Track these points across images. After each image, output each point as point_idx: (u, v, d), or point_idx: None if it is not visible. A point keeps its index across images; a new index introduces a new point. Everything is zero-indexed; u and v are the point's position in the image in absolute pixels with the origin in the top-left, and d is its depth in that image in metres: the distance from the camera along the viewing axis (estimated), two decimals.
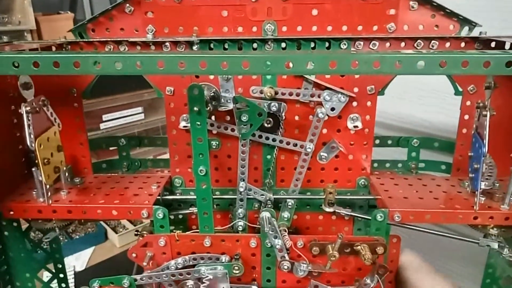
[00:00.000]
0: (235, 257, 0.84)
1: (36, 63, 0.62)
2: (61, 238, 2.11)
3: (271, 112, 0.87)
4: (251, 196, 0.93)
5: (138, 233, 0.94)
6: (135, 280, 0.84)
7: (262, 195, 0.92)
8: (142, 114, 2.28)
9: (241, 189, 0.91)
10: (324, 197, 0.91)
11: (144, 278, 0.83)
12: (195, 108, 0.75)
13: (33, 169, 0.84)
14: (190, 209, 0.95)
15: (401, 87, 0.91)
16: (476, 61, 0.60)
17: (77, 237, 2.10)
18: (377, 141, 1.05)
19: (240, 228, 0.93)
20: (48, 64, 0.62)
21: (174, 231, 0.87)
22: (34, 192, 0.87)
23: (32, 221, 0.91)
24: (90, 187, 0.93)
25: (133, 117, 2.26)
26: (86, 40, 0.90)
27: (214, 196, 0.88)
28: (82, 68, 0.63)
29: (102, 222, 2.13)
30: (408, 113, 1.10)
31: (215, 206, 0.95)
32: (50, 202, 0.84)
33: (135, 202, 0.86)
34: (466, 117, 0.93)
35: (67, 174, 0.93)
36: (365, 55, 0.61)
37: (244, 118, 0.83)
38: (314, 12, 0.86)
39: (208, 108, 0.86)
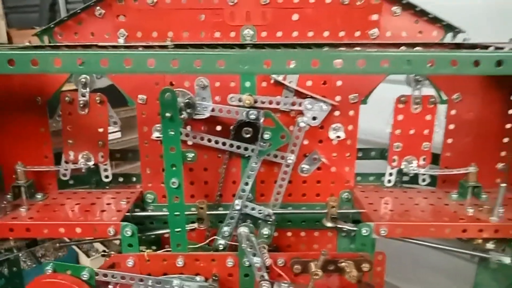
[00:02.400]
0: (214, 277, 0.77)
1: None
2: (29, 263, 1.98)
3: (250, 120, 0.82)
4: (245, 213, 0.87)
5: (106, 253, 0.86)
6: (96, 274, 0.75)
7: (260, 211, 0.87)
8: (119, 133, 2.21)
9: (237, 207, 0.85)
10: (326, 211, 0.86)
11: (107, 275, 0.75)
12: (167, 114, 0.69)
13: None
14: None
15: None
16: (466, 60, 0.57)
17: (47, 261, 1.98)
18: (360, 154, 1.01)
19: (221, 247, 0.86)
20: (2, 62, 0.57)
21: (143, 251, 0.80)
22: None
23: None
24: (53, 203, 0.85)
25: (109, 135, 2.19)
26: (53, 44, 0.84)
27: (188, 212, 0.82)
28: (40, 67, 0.57)
29: (73, 246, 2.02)
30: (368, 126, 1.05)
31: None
32: None
33: (102, 219, 0.79)
34: (451, 126, 0.90)
35: (28, 189, 0.85)
36: (350, 53, 0.58)
37: (267, 136, 0.81)
38: (295, 17, 0.83)
39: (183, 115, 0.81)
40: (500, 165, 0.92)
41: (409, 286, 1.52)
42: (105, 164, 0.90)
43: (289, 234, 0.95)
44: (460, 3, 1.22)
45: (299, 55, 0.57)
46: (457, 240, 0.85)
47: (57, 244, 0.89)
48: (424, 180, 0.93)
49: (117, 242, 0.92)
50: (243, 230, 0.76)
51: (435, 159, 0.93)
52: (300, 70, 0.57)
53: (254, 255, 0.76)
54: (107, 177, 0.91)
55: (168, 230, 0.83)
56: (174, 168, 0.74)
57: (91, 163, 0.88)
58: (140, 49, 0.83)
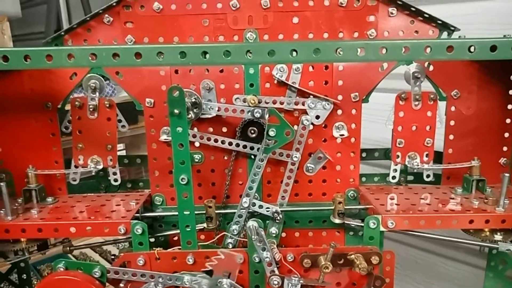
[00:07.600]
0: (224, 274, 0.77)
1: (6, 57, 0.59)
2: None
3: (255, 119, 0.84)
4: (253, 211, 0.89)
5: (115, 256, 0.87)
6: (108, 272, 0.75)
7: (268, 208, 0.88)
8: (123, 151, 2.24)
9: (245, 204, 0.86)
10: (332, 208, 0.87)
11: (118, 272, 0.75)
12: (176, 111, 0.71)
13: (1, 184, 0.78)
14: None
15: None
16: (461, 46, 0.60)
17: None
18: (364, 154, 1.02)
19: (230, 246, 0.87)
20: (18, 57, 0.59)
21: (154, 249, 0.80)
22: (2, 212, 0.80)
23: None
24: (63, 206, 0.87)
25: None
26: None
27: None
28: (54, 61, 0.60)
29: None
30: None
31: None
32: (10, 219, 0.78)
33: (112, 218, 0.80)
34: (452, 123, 0.92)
35: (39, 193, 0.87)
36: (349, 42, 0.60)
37: (272, 133, 0.82)
38: (295, 19, 0.86)
39: (190, 115, 0.83)
40: (503, 160, 0.93)
41: None
42: (114, 168, 0.91)
43: (297, 234, 0.95)
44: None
45: (301, 45, 0.60)
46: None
47: (68, 248, 0.89)
48: (428, 176, 0.94)
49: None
50: (252, 223, 0.76)
51: (438, 157, 0.95)
52: (303, 59, 0.60)
53: (264, 249, 0.77)
54: (116, 180, 0.92)
55: (177, 231, 0.84)
56: (182, 165, 0.75)
57: (100, 167, 0.90)
58: None
